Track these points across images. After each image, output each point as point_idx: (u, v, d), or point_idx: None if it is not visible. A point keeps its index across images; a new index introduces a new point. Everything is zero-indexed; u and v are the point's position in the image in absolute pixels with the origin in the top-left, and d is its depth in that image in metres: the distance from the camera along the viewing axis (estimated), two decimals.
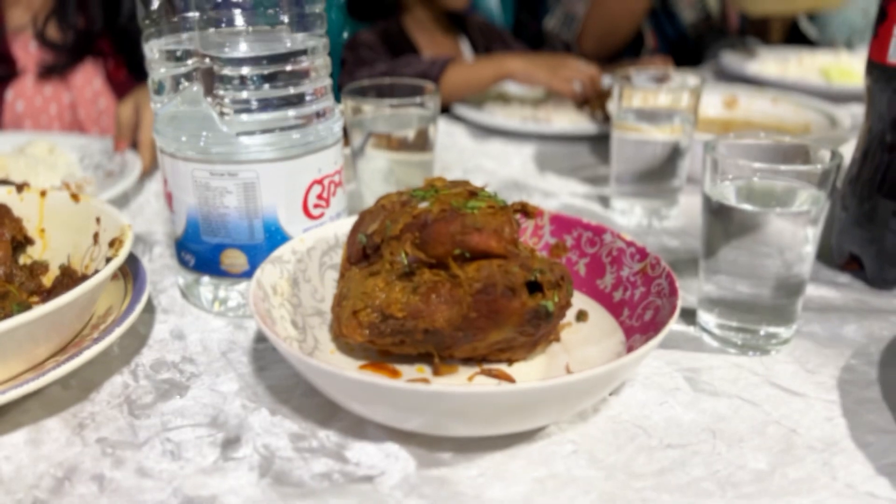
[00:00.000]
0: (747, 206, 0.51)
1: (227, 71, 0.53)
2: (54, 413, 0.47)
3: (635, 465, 0.43)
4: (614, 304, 0.55)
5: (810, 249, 0.52)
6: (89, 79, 1.16)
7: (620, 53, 1.72)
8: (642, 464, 0.43)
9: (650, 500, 0.40)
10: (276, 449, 0.44)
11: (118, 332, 0.49)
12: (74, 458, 0.43)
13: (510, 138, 1.10)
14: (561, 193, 0.88)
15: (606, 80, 1.20)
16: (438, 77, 1.12)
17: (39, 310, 0.43)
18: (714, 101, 1.11)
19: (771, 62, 1.53)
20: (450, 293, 0.46)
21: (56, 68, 1.14)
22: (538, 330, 0.48)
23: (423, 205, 0.48)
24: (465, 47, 1.49)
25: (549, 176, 0.94)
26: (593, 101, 1.16)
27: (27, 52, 1.14)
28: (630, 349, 0.49)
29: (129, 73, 1.18)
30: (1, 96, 1.13)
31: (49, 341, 0.47)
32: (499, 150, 1.05)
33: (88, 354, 0.46)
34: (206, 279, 0.59)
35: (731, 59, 1.52)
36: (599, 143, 1.08)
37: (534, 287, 0.47)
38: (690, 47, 1.89)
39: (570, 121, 1.14)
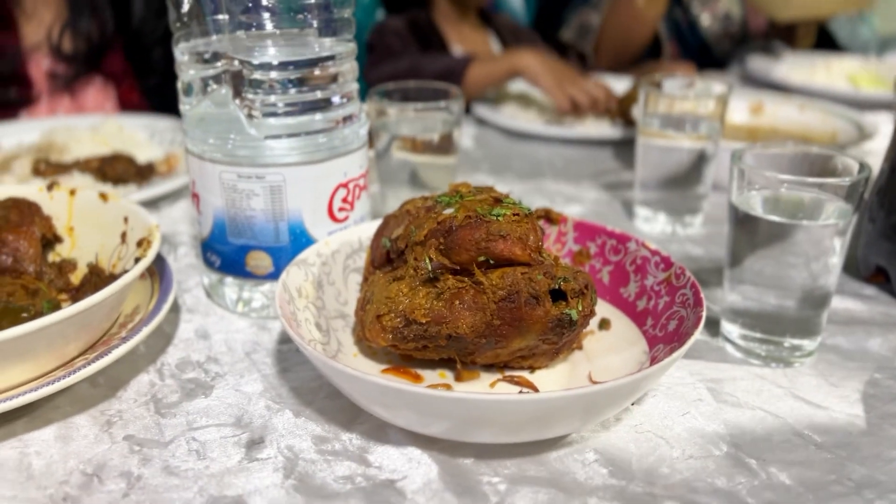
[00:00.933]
0: (774, 217, 0.51)
1: (256, 75, 0.53)
2: (83, 410, 0.48)
3: (657, 475, 0.43)
4: (638, 314, 0.55)
5: (836, 261, 0.52)
6: (101, 102, 1.17)
7: (639, 61, 1.72)
8: (664, 475, 0.43)
9: None
10: (299, 451, 0.45)
11: (146, 331, 0.49)
12: (103, 455, 0.44)
13: (533, 140, 1.10)
14: (583, 198, 0.88)
15: (624, 85, 1.19)
16: (462, 73, 1.12)
17: (71, 309, 0.44)
18: (740, 107, 1.10)
19: (797, 67, 1.51)
20: (473, 300, 0.46)
21: (67, 79, 1.13)
22: (561, 338, 0.48)
23: (448, 211, 0.48)
24: (494, 44, 1.49)
25: (572, 180, 0.94)
26: (612, 109, 1.16)
27: (41, 74, 1.14)
28: (654, 359, 0.49)
29: (141, 96, 1.19)
30: (15, 119, 1.13)
31: (79, 339, 0.48)
32: (523, 151, 1.05)
33: (117, 353, 0.47)
34: (230, 280, 0.60)
35: (757, 64, 1.51)
36: (622, 147, 1.08)
37: (558, 295, 0.47)
38: (712, 54, 1.87)
39: (593, 125, 1.14)
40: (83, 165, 0.77)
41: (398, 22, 1.31)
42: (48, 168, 0.76)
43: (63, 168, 0.77)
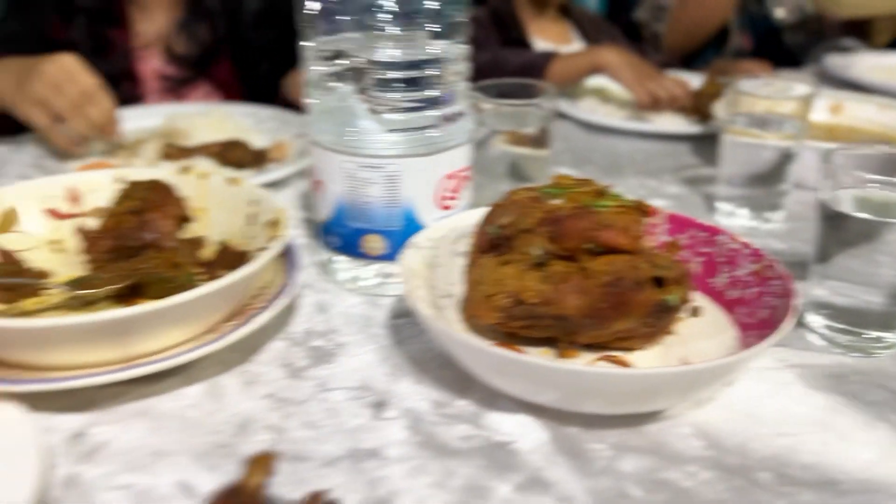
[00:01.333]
0: (864, 215, 0.54)
1: (378, 74, 0.59)
2: (225, 371, 0.54)
3: (749, 449, 0.47)
4: (727, 302, 0.58)
5: None
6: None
7: (705, 48, 1.73)
8: (756, 450, 0.47)
9: (765, 480, 0.44)
10: (420, 413, 0.50)
11: (283, 302, 0.55)
12: (249, 410, 0.50)
13: (612, 134, 1.13)
14: (665, 192, 0.91)
15: (697, 81, 1.21)
16: (544, 68, 1.16)
17: (226, 279, 0.50)
18: (819, 106, 1.11)
19: (876, 66, 1.50)
20: (580, 284, 0.50)
21: (176, 81, 1.18)
22: (659, 322, 0.52)
23: (556, 202, 0.53)
24: (574, 35, 1.52)
25: (653, 174, 0.97)
26: (688, 105, 1.18)
27: (151, 73, 1.18)
28: (745, 345, 0.52)
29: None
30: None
31: (224, 308, 0.54)
32: (603, 145, 1.09)
33: (259, 321, 0.53)
34: (343, 259, 0.65)
35: (834, 63, 1.50)
36: (700, 142, 1.10)
37: (657, 282, 0.51)
38: (784, 48, 1.87)
39: (669, 120, 1.17)
40: (205, 150, 0.84)
41: (482, 13, 1.36)
42: (176, 152, 0.83)
43: (188, 152, 0.84)
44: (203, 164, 0.83)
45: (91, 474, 0.44)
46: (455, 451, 0.47)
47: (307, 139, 0.66)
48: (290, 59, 1.23)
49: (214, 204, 0.68)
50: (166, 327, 0.50)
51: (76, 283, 0.58)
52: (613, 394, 0.45)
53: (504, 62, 1.17)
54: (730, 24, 1.75)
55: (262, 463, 0.34)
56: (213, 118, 0.96)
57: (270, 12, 1.21)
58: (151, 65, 1.19)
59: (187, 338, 0.53)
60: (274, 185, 0.89)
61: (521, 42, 1.39)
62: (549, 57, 1.18)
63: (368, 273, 0.65)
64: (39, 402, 0.48)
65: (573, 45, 1.51)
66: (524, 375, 0.46)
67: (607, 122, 1.13)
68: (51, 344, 0.48)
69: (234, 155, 0.85)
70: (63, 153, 0.87)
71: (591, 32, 1.55)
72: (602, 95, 1.25)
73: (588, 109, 1.19)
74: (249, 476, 0.34)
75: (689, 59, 1.72)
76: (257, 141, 0.92)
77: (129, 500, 0.42)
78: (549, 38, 1.48)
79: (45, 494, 0.42)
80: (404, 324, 0.61)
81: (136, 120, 0.93)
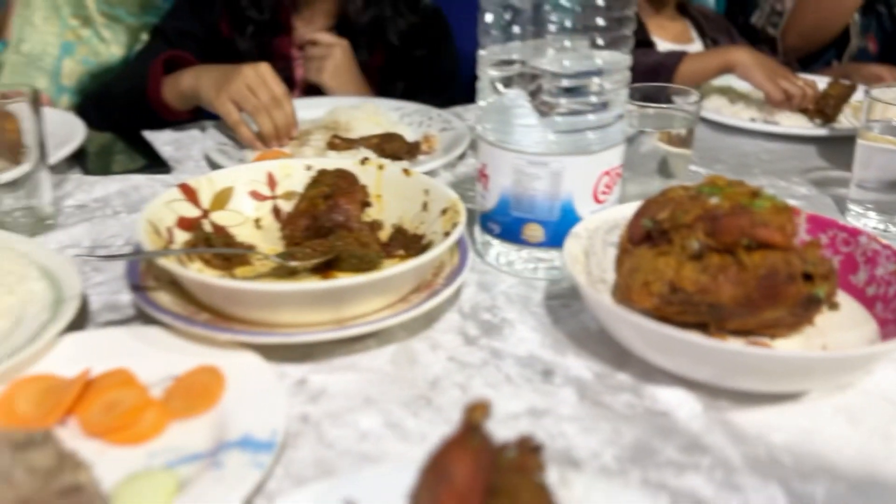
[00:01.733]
0: None
1: (547, 80, 0.66)
2: (413, 336, 0.63)
3: (889, 430, 0.52)
4: (867, 298, 0.63)
5: None
6: None
7: (824, 51, 1.71)
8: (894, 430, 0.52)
9: None
10: (585, 382, 0.58)
11: (461, 279, 0.64)
12: (438, 370, 0.59)
13: (737, 134, 1.17)
14: (794, 193, 0.95)
15: (821, 83, 1.23)
16: (674, 68, 1.21)
17: (423, 257, 0.59)
18: None
19: None
20: (736, 275, 0.56)
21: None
22: (805, 313, 0.57)
23: (714, 200, 0.59)
24: (694, 34, 1.55)
25: (780, 175, 1.01)
26: (812, 108, 1.20)
27: (300, 79, 1.27)
28: (884, 337, 0.57)
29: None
30: None
31: (414, 283, 0.63)
32: (729, 144, 1.13)
33: (444, 295, 0.62)
34: (500, 244, 0.73)
35: None
36: (827, 144, 1.13)
37: (806, 277, 0.56)
38: None
39: (794, 121, 1.19)
40: (365, 142, 0.94)
41: None
42: (342, 143, 0.93)
43: (351, 143, 0.94)
44: (364, 154, 0.93)
45: (318, 414, 0.54)
46: (620, 414, 0.54)
47: (475, 136, 0.74)
48: (432, 77, 1.32)
49: (389, 191, 0.77)
50: (371, 296, 0.59)
51: (285, 256, 0.68)
52: (767, 373, 0.51)
53: (635, 62, 1.21)
54: (851, 27, 1.73)
55: (481, 408, 0.42)
56: (365, 111, 1.05)
57: (416, 34, 1.29)
58: (300, 72, 1.28)
59: (384, 306, 0.62)
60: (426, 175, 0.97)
61: (646, 42, 1.43)
62: (678, 57, 1.22)
63: (524, 258, 0.73)
64: (268, 353, 0.58)
65: (695, 44, 1.54)
66: (686, 352, 0.53)
67: (735, 123, 1.17)
68: (281, 305, 0.57)
69: (392, 147, 0.94)
70: (245, 145, 0.99)
71: (709, 31, 1.57)
72: (729, 95, 1.29)
73: (714, 109, 1.23)
74: (473, 415, 0.42)
75: (807, 62, 1.71)
76: (406, 134, 1.01)
77: (353, 436, 0.52)
78: (668, 36, 1.51)
79: (287, 427, 0.51)
80: (559, 305, 0.68)
81: (299, 111, 1.03)
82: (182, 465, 0.48)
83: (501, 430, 0.52)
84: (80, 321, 0.63)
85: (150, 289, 0.61)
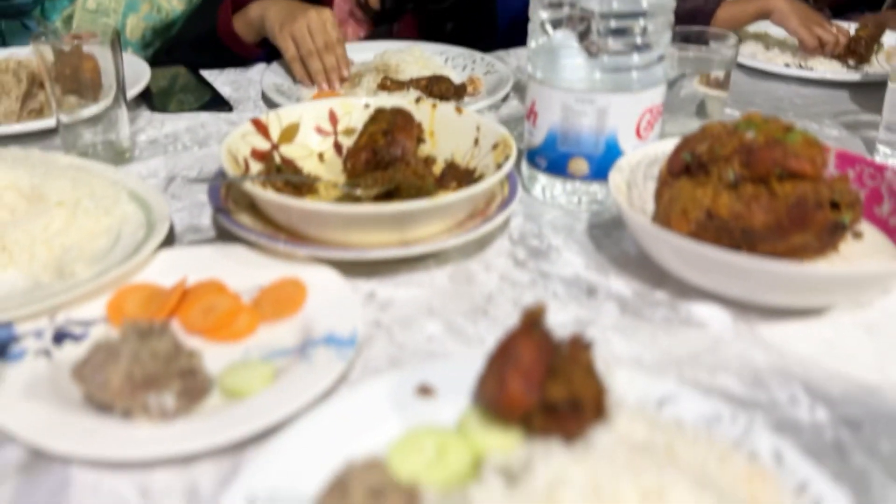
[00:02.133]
0: None
1: (597, 22, 0.70)
2: (467, 258, 0.69)
3: None
4: (890, 228, 0.68)
5: None
6: None
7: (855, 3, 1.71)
8: None
9: None
10: (625, 298, 0.64)
11: (512, 206, 0.69)
12: (492, 287, 0.65)
13: (771, 79, 1.20)
14: (826, 135, 0.98)
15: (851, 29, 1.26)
16: (711, 14, 1.24)
17: (478, 186, 0.65)
18: None
19: None
20: (768, 203, 0.61)
21: (364, 34, 1.31)
22: (831, 239, 0.62)
23: (750, 134, 0.64)
24: None
25: (813, 118, 1.04)
26: (843, 50, 1.23)
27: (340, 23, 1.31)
28: None
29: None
30: None
31: (469, 209, 0.69)
32: (763, 89, 1.16)
33: (497, 221, 0.68)
34: (544, 177, 0.79)
35: None
36: (859, 89, 1.15)
37: (833, 206, 0.61)
38: None
39: (827, 66, 1.22)
40: (415, 83, 0.99)
41: None
42: (392, 84, 0.99)
43: (401, 85, 0.99)
44: (414, 95, 0.98)
45: (388, 320, 0.61)
46: (658, 326, 0.60)
47: (518, 78, 0.78)
48: (471, 19, 1.35)
49: (441, 129, 0.82)
50: (431, 220, 0.66)
51: (350, 186, 0.74)
52: (793, 288, 0.57)
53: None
54: None
55: (539, 308, 0.48)
56: (413, 55, 1.10)
57: None
58: (341, 14, 1.33)
59: (442, 230, 0.68)
60: None
61: None
62: (717, 2, 1.24)
63: (568, 191, 0.78)
64: (339, 270, 0.64)
65: None
66: (720, 269, 0.58)
67: (770, 68, 1.20)
68: (354, 226, 0.64)
69: (439, 88, 1.00)
70: (299, 82, 1.04)
71: None
72: (764, 41, 1.31)
73: (749, 55, 1.26)
74: (533, 312, 0.48)
75: (842, 10, 1.71)
76: (452, 76, 1.06)
77: (420, 339, 0.58)
78: None
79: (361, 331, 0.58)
80: (601, 234, 0.74)
81: (350, 54, 1.08)
82: (275, 358, 0.55)
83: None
84: (168, 241, 0.70)
85: (232, 211, 0.68)
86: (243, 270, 0.63)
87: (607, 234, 0.74)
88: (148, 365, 0.48)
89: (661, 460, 0.41)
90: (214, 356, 0.54)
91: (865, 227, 0.70)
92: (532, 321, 0.47)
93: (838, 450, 0.48)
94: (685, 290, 0.64)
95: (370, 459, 0.38)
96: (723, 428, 0.46)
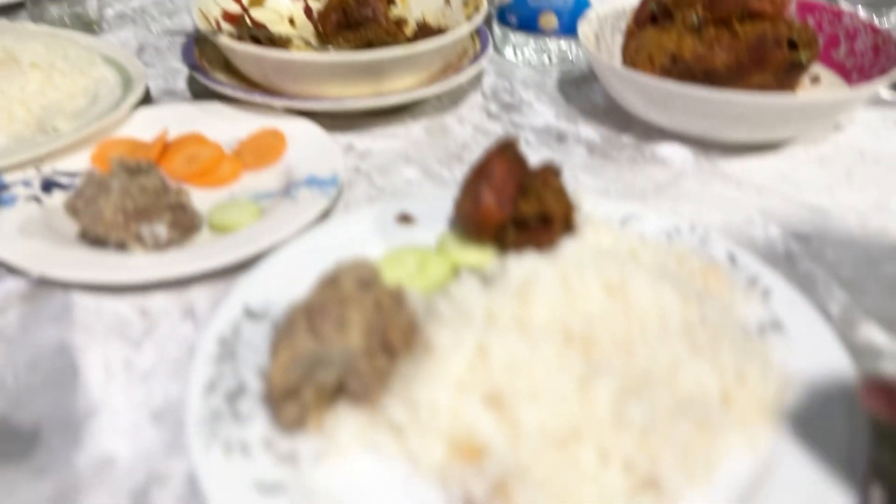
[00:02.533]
0: None
1: None
2: (441, 112, 0.71)
3: (852, 169, 0.62)
4: (846, 70, 0.71)
5: None
6: None
7: None
8: (860, 178, 0.61)
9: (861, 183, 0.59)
10: (594, 142, 0.66)
11: (484, 59, 0.71)
12: (466, 137, 0.67)
13: None
14: None
15: None
16: None
17: (448, 36, 0.66)
18: None
19: None
20: (729, 43, 0.64)
21: None
22: (788, 78, 0.65)
23: None
24: None
25: None
26: None
27: None
28: None
29: None
30: None
31: (440, 62, 0.70)
32: None
33: (469, 72, 0.69)
34: (514, 35, 0.80)
35: None
36: None
37: (792, 46, 0.64)
38: None
39: None
40: None
41: None
42: None
43: None
44: None
45: (367, 167, 0.63)
46: (625, 165, 0.63)
47: None
48: None
49: None
50: (404, 70, 0.67)
51: (324, 44, 0.75)
52: (752, 120, 0.60)
53: None
54: None
55: (512, 138, 0.51)
56: None
57: None
58: None
59: (416, 83, 0.69)
60: None
61: None
62: None
63: (539, 48, 0.80)
64: (316, 122, 0.66)
65: None
66: (683, 106, 0.61)
67: None
68: (329, 76, 0.65)
69: None
70: None
71: None
72: None
73: None
74: (507, 140, 0.50)
75: None
76: None
77: (399, 182, 0.61)
78: None
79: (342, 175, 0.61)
80: (570, 87, 0.76)
81: None
82: (260, 200, 0.57)
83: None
84: (146, 103, 0.71)
85: (207, 70, 0.69)
86: (222, 124, 0.65)
87: (577, 89, 0.76)
88: (138, 198, 0.50)
89: (625, 260, 0.45)
90: (201, 199, 0.56)
91: (823, 72, 0.73)
92: (506, 144, 0.49)
93: (788, 259, 0.52)
94: (650, 133, 0.67)
95: (358, 259, 0.41)
96: (682, 238, 0.49)
